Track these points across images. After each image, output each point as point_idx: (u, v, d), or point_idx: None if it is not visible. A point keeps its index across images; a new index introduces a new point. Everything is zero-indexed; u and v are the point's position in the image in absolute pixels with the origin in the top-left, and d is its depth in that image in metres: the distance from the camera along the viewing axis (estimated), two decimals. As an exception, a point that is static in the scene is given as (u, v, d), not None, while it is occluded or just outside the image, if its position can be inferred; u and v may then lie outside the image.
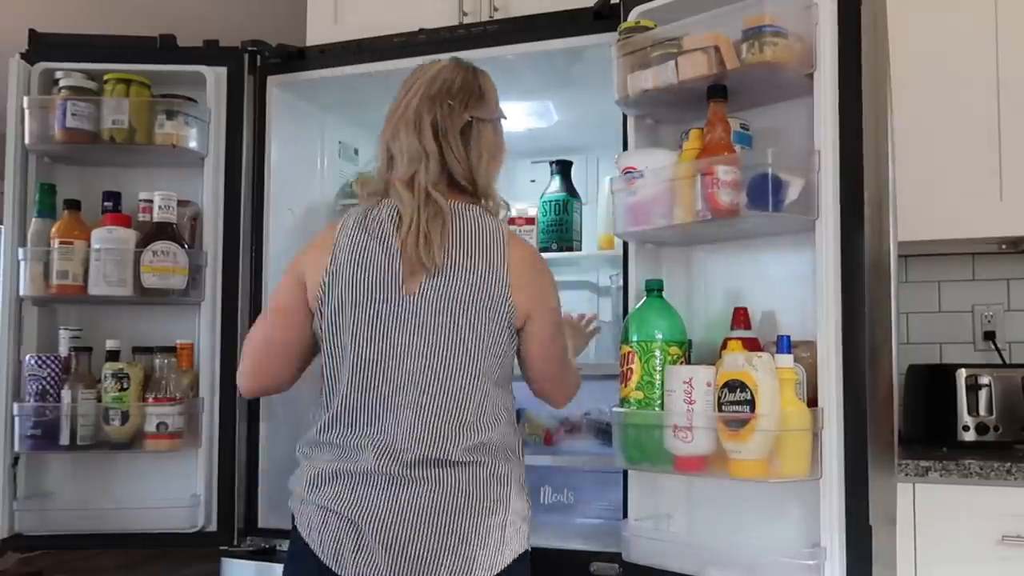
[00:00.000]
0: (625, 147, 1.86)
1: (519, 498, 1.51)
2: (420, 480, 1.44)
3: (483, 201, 1.56)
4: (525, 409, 2.28)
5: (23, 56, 2.23)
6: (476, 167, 1.54)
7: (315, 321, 1.52)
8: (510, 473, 1.50)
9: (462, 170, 1.52)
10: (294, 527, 1.51)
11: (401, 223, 1.48)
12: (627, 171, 1.74)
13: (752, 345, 1.58)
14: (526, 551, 1.51)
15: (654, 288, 1.69)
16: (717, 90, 1.62)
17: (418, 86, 1.54)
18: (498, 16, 2.26)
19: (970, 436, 2.12)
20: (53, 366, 2.15)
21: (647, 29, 1.74)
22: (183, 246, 2.17)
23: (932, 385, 2.23)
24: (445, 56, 1.62)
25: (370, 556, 1.42)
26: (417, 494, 1.43)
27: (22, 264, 2.16)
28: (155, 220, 2.17)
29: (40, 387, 2.12)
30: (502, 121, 1.63)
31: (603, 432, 2.19)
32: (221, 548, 2.19)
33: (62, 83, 2.22)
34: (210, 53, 2.27)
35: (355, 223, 1.52)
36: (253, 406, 2.24)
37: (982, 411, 2.13)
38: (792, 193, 1.56)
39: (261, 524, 2.21)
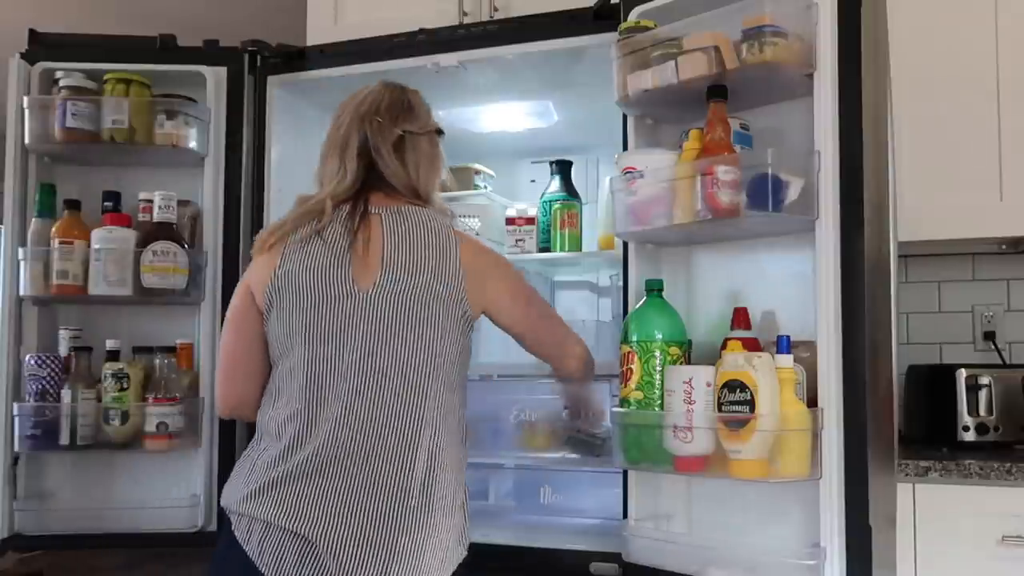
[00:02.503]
0: (625, 147, 1.86)
1: (460, 509, 1.50)
2: (370, 484, 1.41)
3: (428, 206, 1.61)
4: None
5: (23, 56, 2.24)
6: (415, 177, 1.60)
7: (265, 324, 1.54)
8: (453, 482, 1.49)
9: (400, 181, 1.58)
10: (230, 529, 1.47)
11: (344, 231, 1.52)
12: (627, 171, 1.74)
13: (752, 345, 1.58)
14: (465, 558, 1.50)
15: (654, 288, 1.69)
16: (717, 90, 1.62)
17: (349, 110, 1.61)
18: (498, 16, 2.26)
19: (970, 436, 2.11)
20: (53, 366, 2.15)
21: (647, 29, 1.74)
22: (183, 246, 2.17)
23: (932, 385, 2.23)
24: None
25: (321, 567, 1.38)
26: (368, 498, 1.41)
27: (22, 264, 2.16)
28: (155, 220, 2.17)
29: (40, 387, 2.12)
30: (439, 136, 1.67)
31: (574, 440, 2.16)
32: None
33: (62, 83, 2.22)
34: (210, 53, 2.27)
35: (301, 233, 1.55)
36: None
37: (982, 411, 2.13)
38: (792, 193, 1.56)
39: (261, 524, 2.21)
